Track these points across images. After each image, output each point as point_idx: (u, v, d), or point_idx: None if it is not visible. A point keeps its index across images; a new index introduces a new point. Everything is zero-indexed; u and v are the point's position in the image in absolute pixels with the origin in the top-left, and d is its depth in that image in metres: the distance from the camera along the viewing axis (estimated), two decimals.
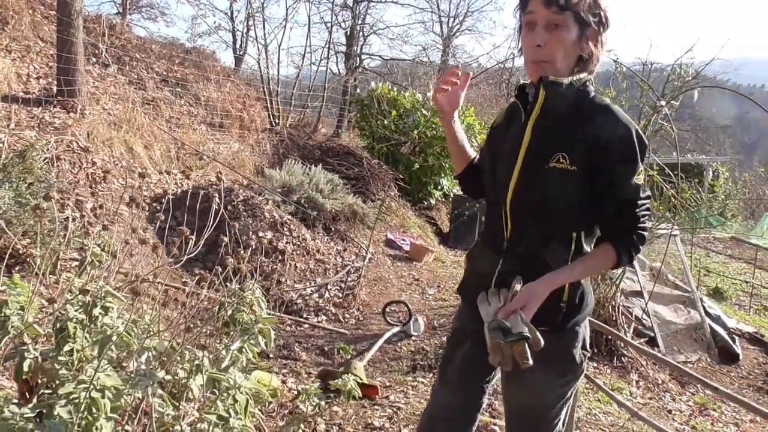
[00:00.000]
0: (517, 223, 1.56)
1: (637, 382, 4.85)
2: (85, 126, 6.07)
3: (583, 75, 1.53)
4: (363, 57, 14.07)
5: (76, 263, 3.26)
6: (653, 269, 6.96)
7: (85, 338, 1.77)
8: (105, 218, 4.19)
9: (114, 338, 1.65)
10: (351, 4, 12.69)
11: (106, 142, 6.21)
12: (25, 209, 3.39)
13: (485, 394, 1.85)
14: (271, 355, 3.80)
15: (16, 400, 1.95)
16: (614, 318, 5.30)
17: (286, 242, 5.15)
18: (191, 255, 2.20)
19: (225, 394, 1.72)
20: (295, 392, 3.31)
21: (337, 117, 12.51)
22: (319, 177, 7.22)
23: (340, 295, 5.07)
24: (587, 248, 1.56)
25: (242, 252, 2.33)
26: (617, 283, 5.36)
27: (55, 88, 6.47)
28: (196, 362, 2.02)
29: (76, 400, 1.62)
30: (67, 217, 3.94)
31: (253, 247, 4.65)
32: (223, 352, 1.91)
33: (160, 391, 1.61)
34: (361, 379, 3.33)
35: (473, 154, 1.88)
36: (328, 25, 12.27)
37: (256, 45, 11.27)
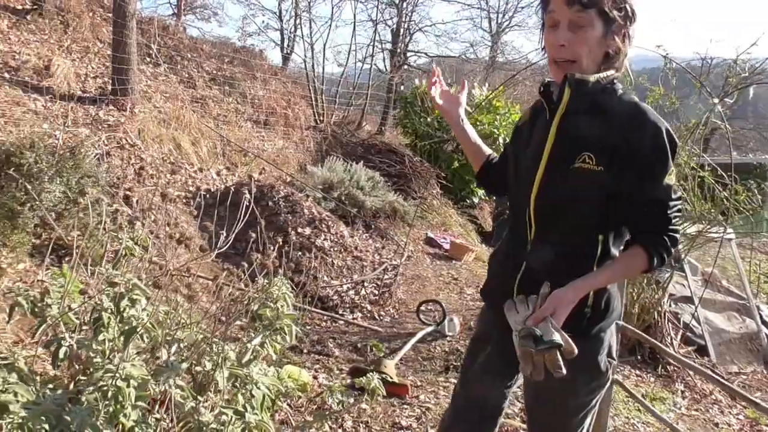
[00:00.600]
0: (542, 225, 1.53)
1: (682, 392, 4.67)
2: (136, 123, 6.29)
3: (610, 72, 1.48)
4: (408, 54, 14.05)
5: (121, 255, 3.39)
6: (705, 274, 6.68)
7: (117, 328, 1.84)
8: (148, 212, 4.34)
9: (139, 329, 1.72)
10: (397, 2, 12.69)
11: (156, 138, 6.42)
12: (74, 203, 3.54)
13: (506, 398, 1.83)
14: (304, 351, 3.85)
15: (52, 385, 2.04)
16: (660, 324, 5.13)
17: (324, 239, 5.20)
18: (221, 250, 2.26)
19: (244, 389, 1.75)
20: (325, 388, 3.35)
21: (382, 114, 12.55)
22: (360, 174, 7.26)
23: (376, 292, 5.09)
24: (615, 252, 1.52)
25: (272, 249, 2.37)
26: (665, 287, 5.18)
27: (110, 87, 6.73)
28: (222, 355, 2.07)
29: (104, 388, 1.69)
30: (115, 210, 4.11)
31: (291, 243, 4.73)
32: (249, 346, 1.96)
33: (180, 382, 1.66)
34: (390, 377, 3.34)
35: (489, 152, 1.86)
36: (374, 23, 12.31)
37: (302, 43, 11.40)
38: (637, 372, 4.76)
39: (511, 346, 1.53)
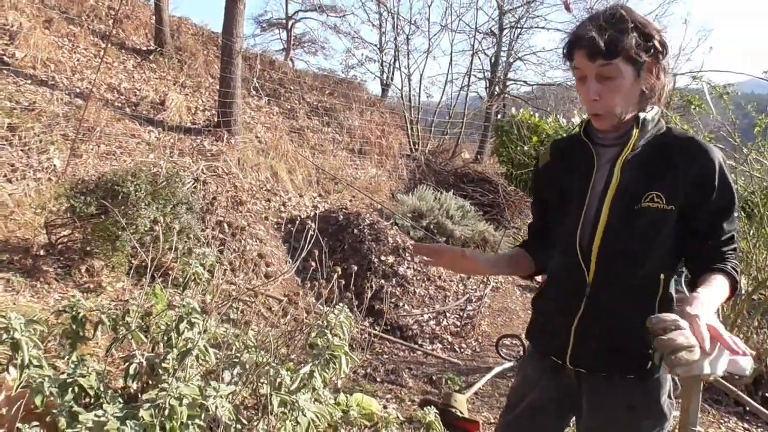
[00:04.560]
0: (603, 267, 1.48)
1: None
2: (237, 153, 6.70)
3: (656, 108, 1.47)
4: (508, 83, 13.91)
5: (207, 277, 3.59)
6: None
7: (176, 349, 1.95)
8: (238, 237, 4.58)
9: (194, 351, 1.81)
10: (496, 32, 12.66)
11: (254, 167, 6.80)
12: (170, 228, 3.79)
13: None
14: (377, 379, 3.85)
15: (121, 401, 2.19)
16: None
17: (407, 267, 5.21)
18: (288, 274, 2.35)
19: (291, 415, 1.79)
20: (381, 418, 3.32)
21: (479, 143, 12.48)
22: (450, 203, 7.24)
23: (458, 323, 5.01)
24: (672, 291, 1.47)
25: (334, 276, 2.41)
26: None
27: (215, 120, 7.24)
28: (278, 380, 2.13)
29: (162, 405, 1.79)
30: (207, 235, 4.37)
31: (373, 270, 4.77)
32: (298, 373, 2.00)
33: (227, 404, 1.72)
34: (461, 412, 3.26)
35: (515, 252, 1.76)
36: (471, 53, 12.34)
37: (400, 74, 11.66)
38: (745, 426, 4.30)
39: (559, 387, 1.57)
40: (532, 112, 10.57)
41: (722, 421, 4.29)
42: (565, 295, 1.56)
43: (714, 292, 1.31)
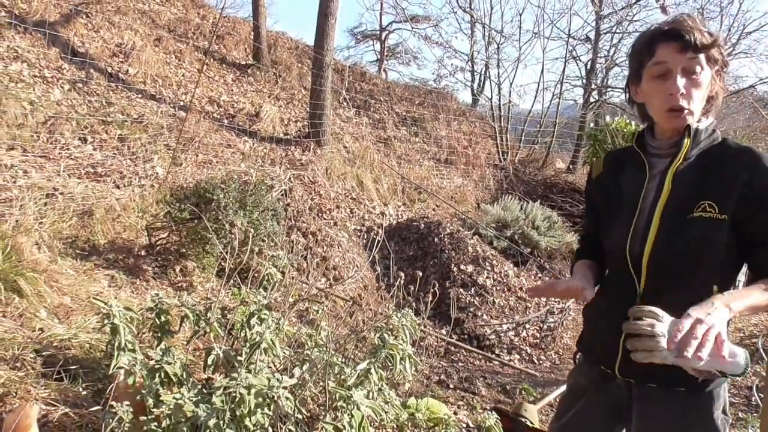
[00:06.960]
0: (654, 277, 1.48)
1: None
2: (324, 162, 6.97)
3: (711, 119, 1.49)
4: (606, 90, 13.42)
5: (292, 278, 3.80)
6: None
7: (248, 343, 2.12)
8: (321, 243, 4.77)
9: (263, 345, 1.95)
10: (592, 38, 12.27)
11: (341, 176, 7.03)
12: (258, 232, 4.04)
13: None
14: (450, 386, 3.88)
15: (205, 390, 2.39)
16: None
17: (486, 277, 5.20)
18: (349, 280, 2.46)
19: (347, 410, 1.89)
20: (464, 425, 3.36)
21: (572, 152, 12.14)
22: (536, 213, 7.11)
23: (538, 335, 4.93)
24: None
25: (400, 280, 2.50)
26: None
27: (306, 130, 7.57)
28: (341, 377, 2.25)
29: (233, 393, 1.95)
30: (290, 240, 4.60)
31: (452, 279, 4.81)
32: (355, 371, 2.09)
33: (289, 395, 1.85)
34: (531, 422, 3.23)
35: (590, 263, 1.73)
36: (563, 60, 12.04)
37: (490, 84, 11.59)
38: None
39: (608, 397, 1.57)
40: (628, 121, 10.15)
41: None
42: (614, 305, 1.56)
43: (740, 295, 1.28)
